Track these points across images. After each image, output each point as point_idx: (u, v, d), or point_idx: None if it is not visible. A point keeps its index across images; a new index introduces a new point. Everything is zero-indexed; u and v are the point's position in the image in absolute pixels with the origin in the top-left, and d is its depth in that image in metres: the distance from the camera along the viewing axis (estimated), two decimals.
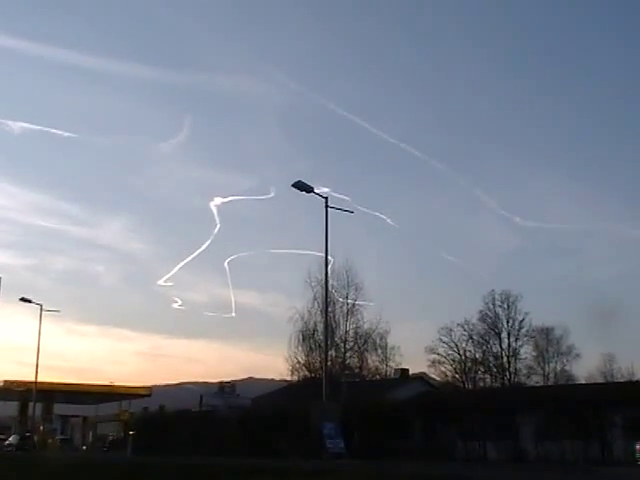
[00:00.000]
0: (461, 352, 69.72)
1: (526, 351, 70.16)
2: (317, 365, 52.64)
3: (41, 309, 52.55)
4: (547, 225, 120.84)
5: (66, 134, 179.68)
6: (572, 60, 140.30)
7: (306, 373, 55.31)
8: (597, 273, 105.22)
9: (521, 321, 68.98)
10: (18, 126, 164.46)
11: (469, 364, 69.74)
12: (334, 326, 53.61)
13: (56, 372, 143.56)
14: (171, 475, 12.74)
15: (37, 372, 52.75)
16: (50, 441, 56.50)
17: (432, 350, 69.67)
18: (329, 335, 43.23)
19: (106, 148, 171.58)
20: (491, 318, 69.37)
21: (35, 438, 54.02)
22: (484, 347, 69.69)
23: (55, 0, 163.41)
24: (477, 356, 69.87)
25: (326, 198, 30.68)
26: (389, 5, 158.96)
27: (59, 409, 67.96)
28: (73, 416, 73.28)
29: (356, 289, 55.98)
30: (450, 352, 69.84)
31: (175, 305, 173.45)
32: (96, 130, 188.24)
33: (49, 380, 58.70)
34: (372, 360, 58.57)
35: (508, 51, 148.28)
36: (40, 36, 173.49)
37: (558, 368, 72.12)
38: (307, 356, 55.43)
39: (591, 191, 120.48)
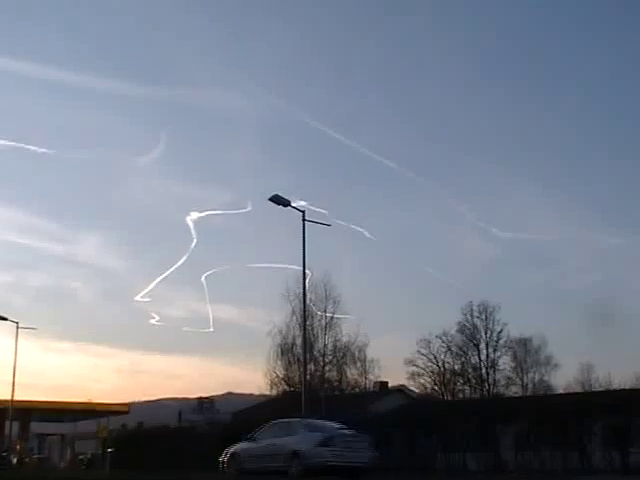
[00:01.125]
0: (440, 364, 69.92)
1: (504, 362, 70.50)
2: (296, 379, 52.64)
3: (17, 327, 52.15)
4: (524, 236, 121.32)
5: (41, 150, 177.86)
6: (550, 71, 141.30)
7: (285, 387, 55.32)
8: (574, 283, 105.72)
9: (499, 332, 69.33)
10: None
11: (448, 376, 69.94)
12: (313, 340, 53.66)
13: (33, 390, 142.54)
14: None
15: (14, 390, 52.30)
16: (27, 460, 55.93)
17: (411, 362, 69.84)
18: (308, 349, 43.12)
19: (82, 163, 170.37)
20: (469, 329, 69.68)
21: (12, 457, 53.44)
22: (463, 358, 69.95)
23: (30, 15, 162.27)
24: (456, 367, 70.09)
25: (303, 212, 30.63)
26: (366, 17, 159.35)
27: (36, 427, 67.24)
28: (51, 434, 72.58)
29: (334, 302, 56.19)
30: (429, 364, 70.04)
31: (153, 321, 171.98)
32: (71, 145, 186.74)
33: (26, 398, 58.14)
34: (351, 373, 58.73)
35: (486, 62, 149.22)
36: (14, 51, 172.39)
37: (537, 378, 72.48)
38: (286, 370, 55.47)
39: (568, 201, 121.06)
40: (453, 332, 69.66)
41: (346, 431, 22.07)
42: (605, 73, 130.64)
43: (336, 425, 23.02)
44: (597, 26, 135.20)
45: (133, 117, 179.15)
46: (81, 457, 60.88)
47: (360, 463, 20.53)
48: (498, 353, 69.89)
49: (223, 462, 23.13)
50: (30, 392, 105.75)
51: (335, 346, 56.82)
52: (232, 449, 23.15)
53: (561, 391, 63.67)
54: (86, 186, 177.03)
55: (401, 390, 64.11)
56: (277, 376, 55.66)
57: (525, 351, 72.66)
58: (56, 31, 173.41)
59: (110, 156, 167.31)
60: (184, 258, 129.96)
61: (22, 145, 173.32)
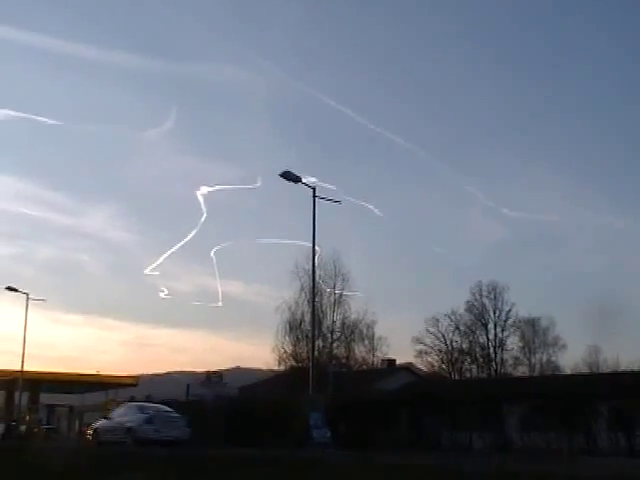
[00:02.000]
0: (448, 343, 70.11)
1: (512, 342, 70.66)
2: (304, 355, 52.82)
3: (27, 298, 52.40)
4: (533, 216, 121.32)
5: (51, 122, 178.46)
6: (560, 52, 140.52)
7: (293, 363, 55.48)
8: (583, 264, 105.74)
9: (507, 312, 69.47)
10: (2, 113, 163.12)
11: (456, 355, 70.08)
12: (321, 316, 53.81)
13: (42, 361, 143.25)
14: (158, 466, 12.73)
15: (23, 361, 52.64)
16: (36, 430, 56.34)
17: (419, 341, 70.07)
18: (316, 325, 43.26)
19: (91, 136, 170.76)
20: (478, 309, 69.78)
21: (21, 427, 53.84)
22: (471, 338, 70.09)
23: None
24: (464, 347, 70.25)
25: (314, 188, 30.63)
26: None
27: (45, 398, 67.72)
28: (59, 405, 73.07)
29: (343, 279, 56.32)
30: (437, 343, 70.25)
31: (161, 294, 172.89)
32: (81, 118, 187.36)
33: (35, 369, 58.52)
34: (359, 350, 58.91)
35: (498, 42, 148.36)
36: (25, 24, 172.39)
37: (544, 359, 72.63)
38: (294, 346, 55.66)
39: (578, 182, 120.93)
40: (461, 311, 69.87)
41: (167, 412, 29.20)
42: (616, 54, 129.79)
43: (162, 408, 30.37)
44: (610, 6, 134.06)
45: (144, 91, 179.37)
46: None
47: (175, 437, 26.83)
48: (506, 333, 70.07)
49: (89, 434, 30.56)
50: (39, 363, 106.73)
51: (343, 323, 56.99)
52: (95, 425, 30.72)
53: (568, 372, 63.77)
54: (96, 159, 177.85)
55: (408, 368, 64.28)
56: (285, 352, 55.88)
57: (533, 331, 72.72)
58: (70, 5, 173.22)
59: (120, 129, 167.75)
60: (193, 232, 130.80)
61: (32, 116, 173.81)
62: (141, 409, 28.97)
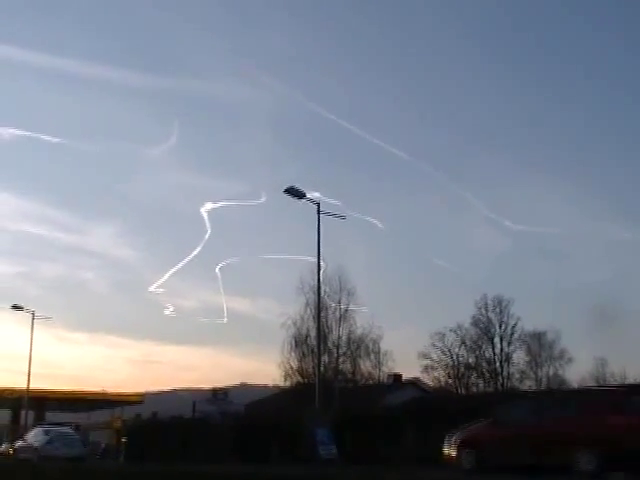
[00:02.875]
0: (454, 357, 69.89)
1: (519, 356, 70.46)
2: (310, 371, 52.69)
3: (33, 316, 52.46)
4: (537, 228, 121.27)
5: (55, 140, 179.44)
6: (561, 61, 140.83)
7: (299, 379, 55.40)
8: (588, 276, 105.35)
9: (513, 326, 69.31)
10: (7, 132, 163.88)
11: (462, 369, 69.87)
12: (327, 332, 53.75)
13: (48, 380, 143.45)
14: None
15: (29, 380, 52.71)
16: None
17: (425, 355, 69.85)
18: (322, 341, 43.23)
19: (95, 154, 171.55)
20: (483, 323, 69.62)
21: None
22: (477, 352, 69.89)
23: (41, 5, 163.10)
24: (470, 361, 70.04)
25: (318, 204, 30.69)
26: (378, 7, 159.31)
27: (51, 417, 67.69)
28: (65, 424, 73.01)
29: (348, 294, 56.26)
30: (443, 357, 70.03)
31: (167, 311, 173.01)
32: (85, 136, 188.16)
33: (41, 388, 58.55)
34: (365, 365, 58.79)
35: (498, 52, 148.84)
36: (27, 42, 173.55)
37: (551, 372, 72.41)
38: (300, 362, 55.57)
39: (581, 193, 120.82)
40: (467, 325, 69.70)
41: (67, 434, 37.17)
42: (619, 62, 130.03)
43: (63, 431, 38.39)
44: (611, 12, 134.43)
45: (146, 108, 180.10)
46: (98, 447, 61.33)
47: (73, 455, 33.55)
48: (512, 347, 69.89)
49: (11, 452, 37.06)
50: (45, 382, 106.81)
51: (349, 338, 56.90)
52: (15, 445, 37.77)
53: (575, 385, 63.49)
54: (100, 177, 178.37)
55: (415, 383, 64.08)
56: (291, 367, 55.79)
57: (539, 345, 72.54)
58: (71, 23, 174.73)
59: (123, 147, 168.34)
60: (198, 249, 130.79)
61: (37, 135, 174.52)
62: (46, 432, 37.01)
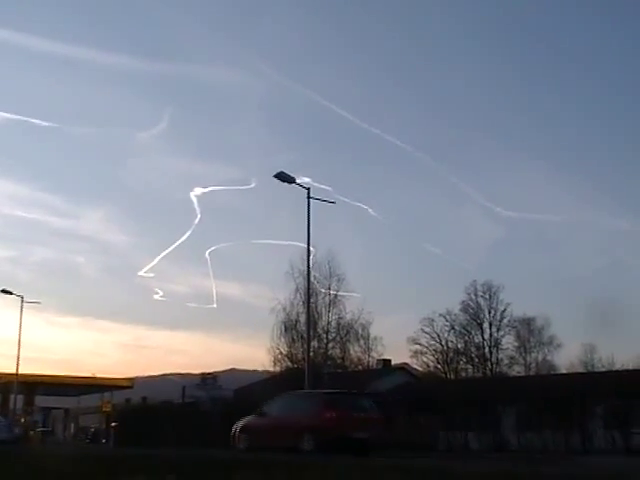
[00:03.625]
0: (443, 343, 69.85)
1: (508, 341, 70.45)
2: (299, 356, 52.73)
3: (22, 301, 52.32)
4: (530, 216, 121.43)
5: (45, 124, 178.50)
6: (556, 48, 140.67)
7: (288, 364, 55.38)
8: (580, 264, 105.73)
9: (503, 311, 69.24)
10: None
11: (451, 354, 69.89)
12: (316, 317, 53.72)
13: (37, 364, 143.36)
14: (157, 468, 12.70)
15: (18, 364, 52.57)
16: (32, 433, 56.29)
17: (414, 341, 69.73)
18: (311, 326, 43.17)
19: (86, 138, 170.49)
20: (473, 309, 69.60)
21: (17, 430, 53.80)
22: (466, 337, 69.89)
23: None
24: (459, 346, 70.04)
25: (308, 189, 30.61)
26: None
27: (41, 401, 67.65)
28: (55, 408, 73.00)
29: (338, 280, 56.17)
30: (432, 343, 69.92)
31: (156, 296, 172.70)
32: (76, 120, 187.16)
33: (30, 372, 58.46)
34: (354, 351, 58.77)
35: (492, 39, 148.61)
36: (19, 25, 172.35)
37: (540, 358, 72.54)
38: (289, 347, 55.53)
39: (575, 182, 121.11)
40: (457, 311, 69.63)
41: None
42: (614, 51, 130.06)
43: None
44: (605, 4, 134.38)
45: (137, 93, 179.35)
46: (88, 431, 61.47)
47: (2, 439, 36.52)
48: (501, 332, 69.88)
49: None
50: (35, 366, 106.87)
51: (339, 324, 56.89)
52: None
53: (564, 371, 63.75)
54: (90, 161, 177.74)
55: (404, 368, 64.29)
56: (280, 353, 55.76)
57: (528, 331, 72.69)
58: (63, 6, 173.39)
59: (114, 131, 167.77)
60: (188, 234, 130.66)
61: (26, 119, 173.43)
62: None
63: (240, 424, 24.43)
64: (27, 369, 57.02)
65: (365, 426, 21.73)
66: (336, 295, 56.33)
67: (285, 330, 55.31)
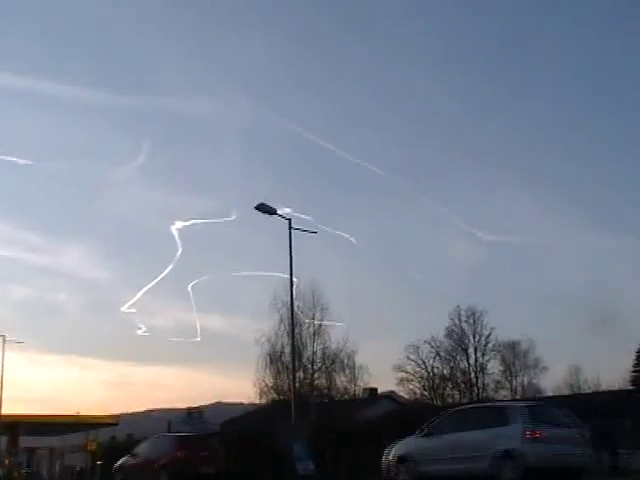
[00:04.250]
0: (429, 369, 70.06)
1: (493, 365, 70.85)
2: (285, 387, 52.59)
3: (3, 340, 51.95)
4: (510, 238, 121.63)
5: (22, 161, 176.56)
6: (535, 66, 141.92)
7: (274, 396, 55.26)
8: (562, 285, 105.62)
9: (487, 336, 69.68)
10: None
11: (437, 381, 70.06)
12: (301, 347, 53.69)
13: (20, 403, 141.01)
14: None
15: (0, 404, 52.04)
16: (16, 474, 55.59)
17: (400, 368, 69.94)
18: (297, 357, 43.16)
19: (64, 174, 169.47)
20: (457, 334, 69.93)
21: (0, 472, 53.16)
22: (451, 363, 70.16)
23: (8, 24, 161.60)
24: (445, 372, 70.29)
25: (289, 220, 30.65)
26: (350, 22, 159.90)
27: (25, 441, 66.82)
28: (39, 448, 72.13)
29: (322, 309, 56.30)
30: (418, 369, 70.18)
31: (139, 331, 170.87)
32: (53, 156, 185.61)
33: (13, 412, 57.78)
34: (340, 380, 58.77)
35: (469, 63, 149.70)
36: None
37: (525, 381, 72.93)
38: (275, 378, 55.44)
39: (554, 202, 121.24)
40: (441, 337, 69.97)
41: None
42: (592, 69, 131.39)
43: None
44: (585, 22, 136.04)
45: (114, 127, 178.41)
46: (73, 470, 60.77)
47: None
48: (487, 357, 70.26)
49: None
50: (17, 406, 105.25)
51: (324, 353, 56.87)
52: None
53: (550, 394, 63.88)
54: (69, 197, 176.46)
55: (390, 396, 64.15)
56: (266, 385, 55.62)
57: (513, 354, 73.03)
58: (35, 41, 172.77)
59: (92, 166, 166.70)
60: (169, 268, 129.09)
61: (3, 157, 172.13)
62: None
63: (117, 463, 29.01)
64: (10, 409, 56.36)
65: (211, 462, 25.94)
66: (320, 325, 56.41)
67: (270, 362, 55.23)
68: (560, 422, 17.71)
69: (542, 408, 18.98)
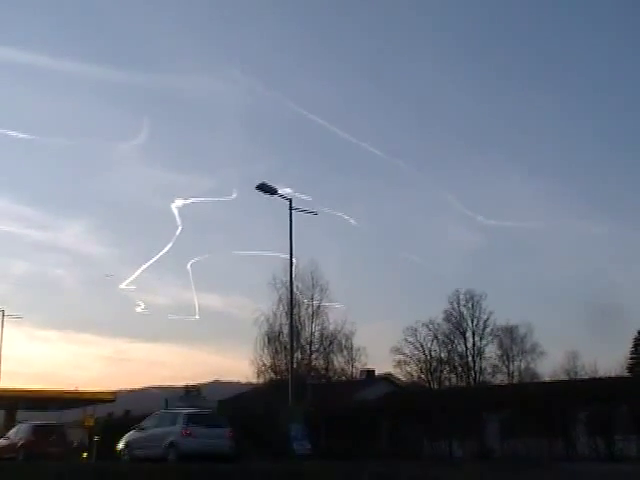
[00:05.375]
0: (426, 352, 70.18)
1: (491, 350, 70.99)
2: (283, 367, 52.71)
3: (2, 315, 52.02)
4: (510, 223, 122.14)
5: (22, 135, 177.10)
6: (535, 55, 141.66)
7: (272, 375, 55.37)
8: (560, 271, 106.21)
9: (485, 320, 69.79)
10: None
11: (434, 364, 70.17)
12: (299, 328, 53.75)
13: (19, 378, 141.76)
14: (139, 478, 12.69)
15: None
16: None
17: (398, 350, 70.07)
18: (295, 337, 43.19)
19: (64, 150, 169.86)
20: (456, 318, 70.05)
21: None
22: (449, 347, 70.28)
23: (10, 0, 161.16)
24: (442, 356, 70.42)
25: (290, 200, 30.64)
26: (354, 5, 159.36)
27: (22, 416, 66.99)
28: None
29: (321, 290, 56.34)
30: (415, 352, 70.31)
31: (138, 309, 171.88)
32: (53, 132, 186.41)
33: (12, 387, 57.93)
34: (338, 361, 58.91)
35: (471, 49, 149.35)
36: None
37: (522, 366, 73.03)
38: (273, 358, 55.54)
39: (554, 189, 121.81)
40: (440, 320, 70.08)
41: None
42: (592, 59, 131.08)
43: None
44: (589, 11, 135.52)
45: (116, 104, 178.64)
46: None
47: None
48: (484, 341, 70.40)
49: None
50: (15, 380, 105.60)
51: (322, 334, 56.96)
52: None
53: (547, 379, 64.00)
54: (69, 173, 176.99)
55: (387, 378, 64.27)
56: (264, 364, 55.72)
57: (511, 339, 73.12)
58: (38, 16, 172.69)
59: (93, 143, 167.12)
60: (169, 245, 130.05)
61: (3, 131, 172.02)
62: None
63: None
64: (8, 384, 56.54)
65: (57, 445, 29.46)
66: (319, 306, 56.46)
67: (268, 341, 55.32)
68: (212, 424, 25.45)
69: (199, 415, 26.31)
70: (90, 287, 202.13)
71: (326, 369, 58.24)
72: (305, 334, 55.79)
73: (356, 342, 59.63)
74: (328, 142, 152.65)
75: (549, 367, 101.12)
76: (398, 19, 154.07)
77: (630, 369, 66.59)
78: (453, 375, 70.31)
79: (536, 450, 28.29)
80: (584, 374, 61.96)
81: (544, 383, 53.79)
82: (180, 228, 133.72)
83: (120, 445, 28.40)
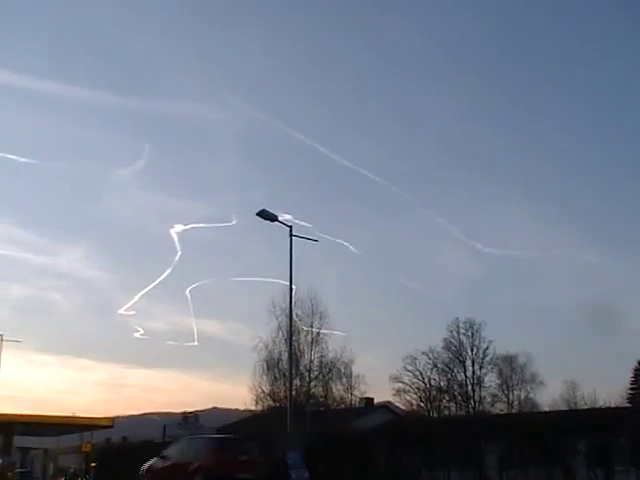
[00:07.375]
0: (426, 380, 69.97)
1: (490, 379, 70.76)
2: (282, 394, 52.51)
3: (1, 339, 51.92)
4: (509, 252, 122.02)
5: (22, 160, 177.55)
6: (533, 79, 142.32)
7: (271, 402, 55.15)
8: (560, 300, 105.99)
9: (485, 349, 69.63)
10: None
11: (434, 392, 69.95)
12: (299, 355, 53.59)
13: (15, 403, 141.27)
14: None
15: None
16: (10, 474, 55.45)
17: (397, 379, 69.89)
18: (294, 364, 43.06)
19: (64, 174, 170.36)
20: (455, 346, 69.89)
21: None
22: (449, 375, 70.08)
23: (9, 24, 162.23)
24: (442, 384, 70.18)
25: (290, 227, 30.68)
26: (348, 28, 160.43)
27: (19, 441, 66.66)
28: (33, 448, 71.95)
29: (320, 317, 56.21)
30: (415, 381, 70.11)
31: (136, 334, 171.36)
32: (53, 156, 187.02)
33: (8, 412, 57.66)
34: (337, 389, 58.66)
35: (470, 73, 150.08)
36: None
37: (522, 396, 72.78)
38: (272, 385, 55.34)
39: (553, 217, 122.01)
40: (439, 349, 69.93)
41: None
42: (594, 84, 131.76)
43: None
44: (588, 33, 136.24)
45: (116, 129, 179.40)
46: (67, 472, 60.64)
47: None
48: (484, 370, 70.15)
49: None
50: (13, 405, 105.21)
51: (321, 362, 56.77)
52: None
53: (546, 409, 63.73)
54: (68, 197, 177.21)
55: (386, 407, 64.07)
56: (262, 391, 55.52)
57: (511, 368, 72.89)
58: (39, 41, 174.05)
59: (93, 167, 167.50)
60: (168, 271, 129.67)
61: (3, 154, 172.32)
62: None
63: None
64: (5, 408, 56.34)
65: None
66: (318, 333, 56.32)
67: (267, 368, 55.14)
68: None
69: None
70: (89, 312, 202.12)
71: (325, 397, 58.00)
72: (304, 361, 55.63)
73: (355, 370, 59.51)
74: (328, 169, 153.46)
75: (548, 397, 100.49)
76: (399, 48, 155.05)
77: (630, 399, 66.32)
78: (452, 404, 70.07)
79: None
80: (584, 404, 61.67)
81: (544, 413, 53.61)
82: (179, 253, 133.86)
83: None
